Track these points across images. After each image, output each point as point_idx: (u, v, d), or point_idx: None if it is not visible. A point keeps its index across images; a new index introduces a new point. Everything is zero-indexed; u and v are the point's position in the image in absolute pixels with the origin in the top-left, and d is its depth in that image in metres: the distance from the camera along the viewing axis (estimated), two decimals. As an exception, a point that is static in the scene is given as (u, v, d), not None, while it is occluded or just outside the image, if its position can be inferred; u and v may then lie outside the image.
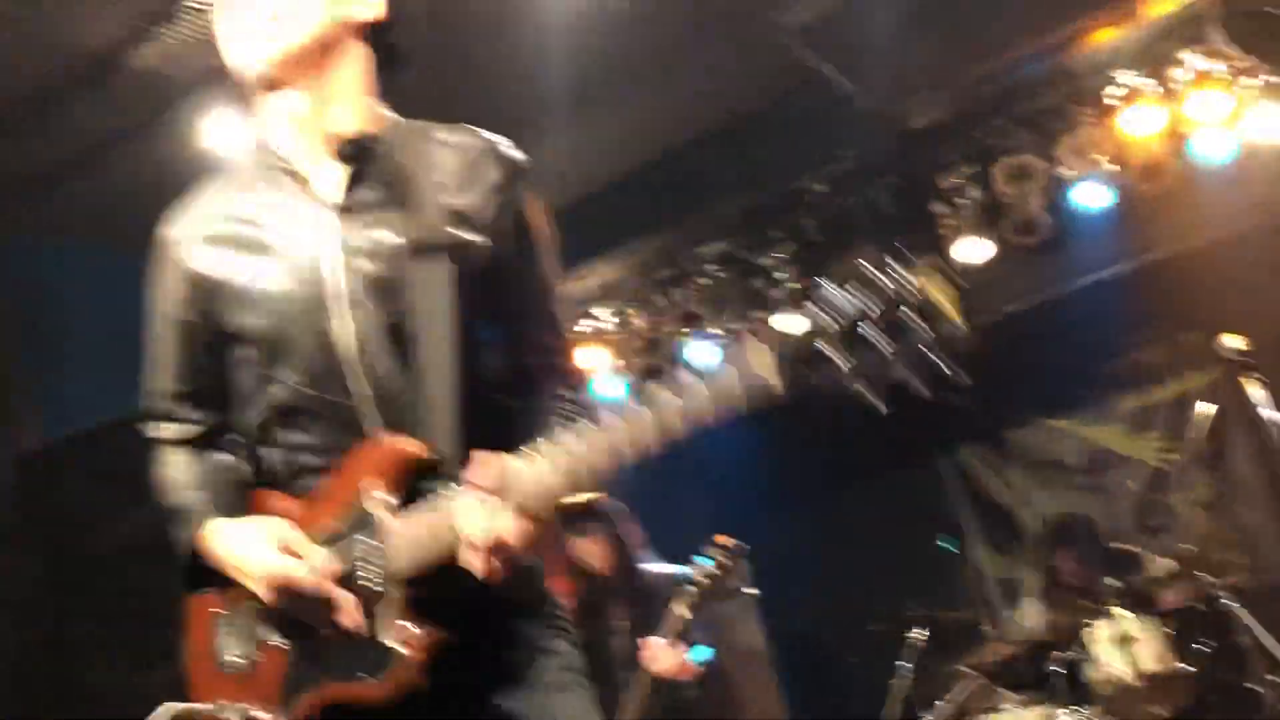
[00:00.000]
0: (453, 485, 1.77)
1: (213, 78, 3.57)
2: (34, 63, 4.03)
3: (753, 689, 6.52)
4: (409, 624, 1.76)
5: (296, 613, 1.84)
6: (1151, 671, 5.25)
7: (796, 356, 1.51)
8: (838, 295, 1.49)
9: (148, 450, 2.11)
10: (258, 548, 1.84)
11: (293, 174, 1.98)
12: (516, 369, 2.00)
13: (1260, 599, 6.56)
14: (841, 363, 1.48)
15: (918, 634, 6.01)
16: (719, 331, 6.77)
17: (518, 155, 2.03)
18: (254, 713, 1.85)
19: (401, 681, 1.75)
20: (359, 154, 1.96)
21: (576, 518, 5.01)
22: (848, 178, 6.21)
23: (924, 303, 1.44)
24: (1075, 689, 5.60)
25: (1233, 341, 4.04)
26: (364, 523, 1.82)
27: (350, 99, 1.99)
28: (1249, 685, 5.44)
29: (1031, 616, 6.35)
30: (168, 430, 2.08)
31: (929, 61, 5.23)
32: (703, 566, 4.87)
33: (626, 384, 7.01)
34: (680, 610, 4.71)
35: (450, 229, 1.91)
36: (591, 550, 5.01)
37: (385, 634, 1.76)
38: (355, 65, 2.01)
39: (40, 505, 3.84)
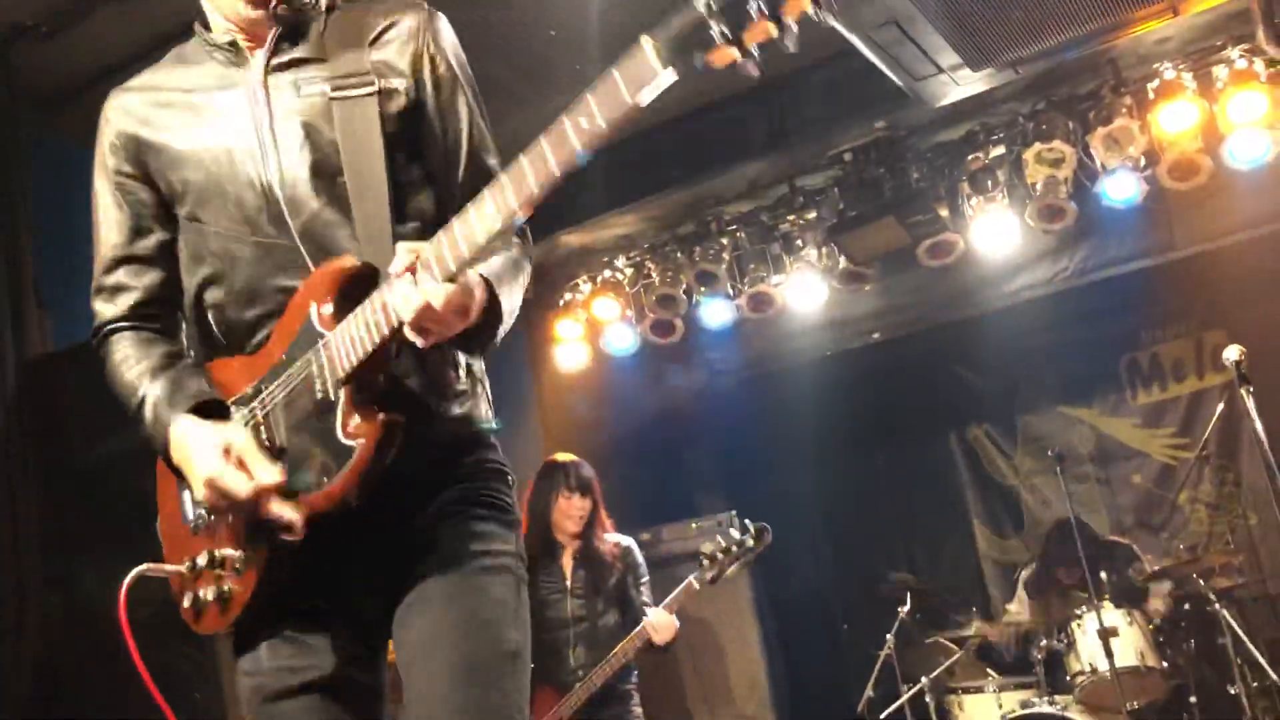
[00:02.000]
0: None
1: None
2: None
3: (733, 644, 6.59)
4: (358, 418, 1.84)
5: (235, 513, 1.92)
6: (1128, 666, 5.28)
7: (681, 41, 1.49)
8: None
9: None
10: (205, 454, 1.90)
11: (230, 46, 2.07)
12: (447, 216, 1.98)
13: (1257, 603, 6.57)
14: (719, 37, 1.47)
15: (905, 607, 6.05)
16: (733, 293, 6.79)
17: (431, 9, 2.11)
18: (219, 552, 1.94)
19: (361, 472, 1.82)
20: (289, 17, 2.07)
21: (558, 477, 5.10)
22: (878, 149, 6.15)
23: None
24: (1056, 677, 5.64)
25: (1231, 352, 4.01)
26: (310, 342, 1.90)
27: None
28: (1229, 689, 5.45)
29: (1019, 606, 6.36)
30: (113, 308, 2.13)
31: (970, 40, 5.15)
32: (728, 540, 4.98)
33: (635, 337, 7.05)
34: (695, 584, 4.86)
35: (372, 75, 2.01)
36: (565, 509, 5.08)
37: (340, 434, 1.84)
38: None
39: (40, 411, 3.93)
